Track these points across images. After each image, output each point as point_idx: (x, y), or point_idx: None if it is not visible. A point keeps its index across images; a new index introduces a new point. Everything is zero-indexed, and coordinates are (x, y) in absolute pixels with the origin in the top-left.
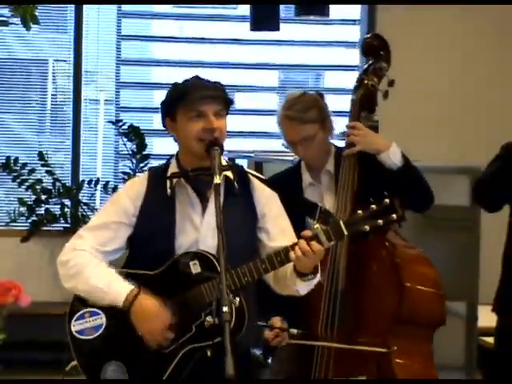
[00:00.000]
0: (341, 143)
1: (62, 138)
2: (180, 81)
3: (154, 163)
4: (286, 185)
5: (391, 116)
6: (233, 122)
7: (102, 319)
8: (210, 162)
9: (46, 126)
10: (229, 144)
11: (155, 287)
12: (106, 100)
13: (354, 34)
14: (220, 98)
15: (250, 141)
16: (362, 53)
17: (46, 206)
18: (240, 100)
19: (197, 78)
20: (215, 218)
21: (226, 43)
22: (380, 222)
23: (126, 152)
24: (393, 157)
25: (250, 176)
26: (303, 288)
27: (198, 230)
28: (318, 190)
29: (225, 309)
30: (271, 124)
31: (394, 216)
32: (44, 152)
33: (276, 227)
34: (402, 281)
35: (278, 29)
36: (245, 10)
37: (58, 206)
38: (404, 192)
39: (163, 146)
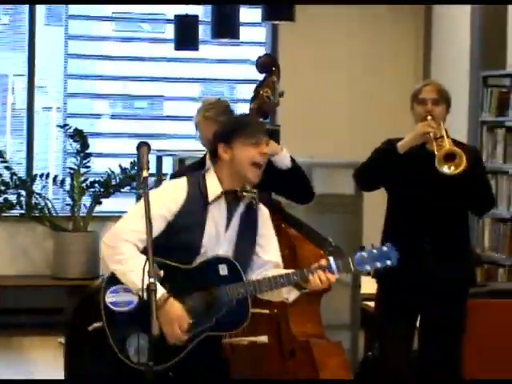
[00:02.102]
0: None
1: (19, 139)
2: (236, 116)
3: (95, 160)
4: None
5: (290, 121)
6: (161, 126)
7: (134, 296)
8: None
9: (5, 129)
10: (158, 144)
11: (186, 280)
12: (57, 108)
13: (261, 53)
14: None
15: (176, 141)
16: (257, 69)
17: (5, 195)
18: (168, 108)
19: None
20: (231, 232)
21: (155, 61)
22: (379, 265)
23: (72, 151)
24: (284, 159)
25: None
26: (294, 298)
27: (219, 237)
28: None
29: (151, 280)
30: (193, 128)
31: (389, 263)
32: (3, 151)
33: (270, 245)
34: (297, 257)
35: (197, 49)
36: (171, 33)
37: (15, 196)
38: (292, 187)
39: (102, 146)
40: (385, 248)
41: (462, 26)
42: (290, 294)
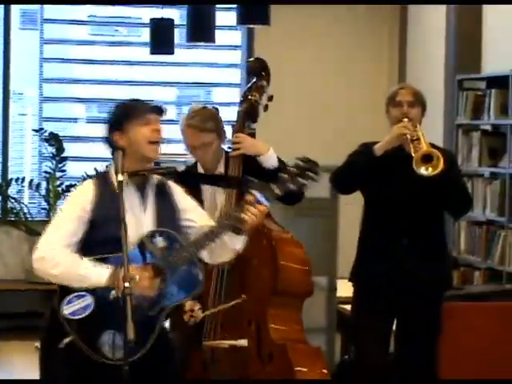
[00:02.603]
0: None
1: None
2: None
3: (71, 164)
4: (186, 182)
5: (265, 124)
6: None
7: (89, 299)
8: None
9: None
10: None
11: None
12: (33, 112)
13: (237, 57)
14: (161, 110)
15: None
16: (247, 73)
17: None
18: None
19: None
20: (149, 213)
21: (131, 64)
22: (305, 181)
23: (48, 155)
24: (270, 159)
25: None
26: (240, 243)
27: (140, 221)
28: (211, 188)
29: (126, 284)
30: (171, 131)
31: (314, 176)
32: None
33: (196, 213)
34: (277, 259)
35: (172, 52)
36: (146, 36)
37: None
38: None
39: (78, 150)
40: (301, 163)
41: (438, 29)
42: (234, 243)
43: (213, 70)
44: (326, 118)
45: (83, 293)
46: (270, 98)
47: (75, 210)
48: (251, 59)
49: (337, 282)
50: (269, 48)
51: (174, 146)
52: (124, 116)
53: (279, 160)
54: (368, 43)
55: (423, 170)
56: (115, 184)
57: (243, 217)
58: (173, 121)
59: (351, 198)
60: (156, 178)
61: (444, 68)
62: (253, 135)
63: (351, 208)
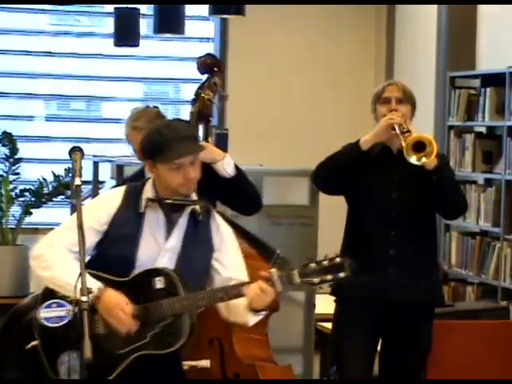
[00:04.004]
0: None
1: None
2: (157, 127)
3: (25, 166)
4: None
5: (239, 125)
6: (99, 130)
7: (68, 311)
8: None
9: None
10: (96, 149)
11: (120, 292)
12: None
13: (209, 50)
14: (194, 148)
15: (115, 146)
16: (198, 70)
17: None
18: (107, 109)
19: (171, 128)
20: (178, 242)
21: (93, 57)
22: (329, 277)
23: (0, 156)
24: (227, 167)
25: (215, 212)
26: (252, 321)
27: (159, 249)
28: None
29: (84, 298)
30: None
31: (342, 275)
32: None
33: (230, 260)
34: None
35: (137, 44)
36: (110, 27)
37: None
38: (236, 197)
39: (34, 151)
40: (338, 259)
41: (428, 22)
42: (247, 317)
43: (183, 64)
44: (303, 115)
45: (65, 302)
46: (225, 98)
47: (91, 217)
48: (202, 55)
49: (316, 298)
50: (244, 40)
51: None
52: (153, 153)
53: (237, 168)
54: (352, 35)
55: (415, 160)
56: (144, 203)
57: (247, 291)
58: None
59: (332, 205)
60: (197, 207)
61: (435, 64)
62: (224, 137)
63: (332, 215)
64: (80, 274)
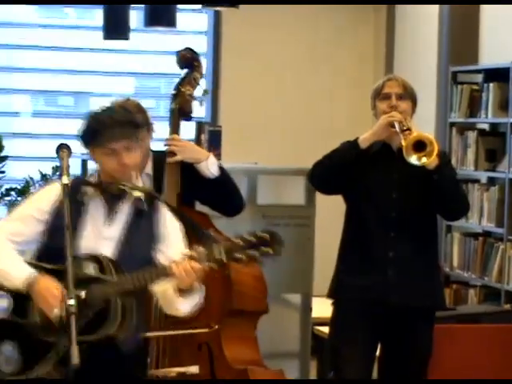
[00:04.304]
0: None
1: None
2: (94, 112)
3: (11, 164)
4: None
5: (233, 121)
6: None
7: (6, 301)
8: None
9: None
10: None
11: (58, 281)
12: None
13: (202, 43)
14: (129, 133)
15: None
16: (178, 64)
17: None
18: (96, 105)
19: (108, 112)
20: (119, 230)
21: (82, 51)
22: (257, 254)
23: None
24: (211, 167)
25: (161, 203)
26: (184, 306)
27: (99, 237)
28: None
29: (71, 302)
30: None
31: (271, 250)
32: None
33: (175, 253)
34: (229, 275)
35: (127, 38)
36: (99, 20)
37: None
38: (219, 198)
39: (20, 148)
40: (265, 234)
41: (429, 14)
42: (179, 304)
43: (175, 58)
44: (300, 111)
45: (2, 293)
46: (206, 92)
47: (30, 208)
48: (181, 49)
49: (312, 301)
50: (238, 34)
51: None
52: (89, 138)
53: (221, 168)
54: (350, 30)
55: (415, 160)
56: (85, 194)
57: (173, 271)
58: None
59: (329, 205)
60: (139, 194)
61: (436, 59)
62: (218, 133)
63: (329, 215)
64: (65, 273)
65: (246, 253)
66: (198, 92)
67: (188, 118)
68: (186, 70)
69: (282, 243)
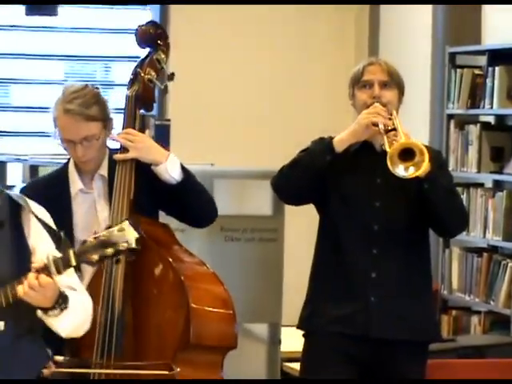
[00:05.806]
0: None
1: None
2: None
3: None
4: (51, 192)
5: (184, 115)
6: (8, 121)
7: None
8: None
9: None
10: (3, 145)
11: None
12: None
13: (146, 19)
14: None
15: (28, 141)
16: (137, 42)
17: None
18: (18, 96)
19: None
20: None
21: (0, 30)
22: (109, 251)
23: None
24: (171, 170)
25: (24, 202)
26: (60, 326)
27: None
28: (89, 198)
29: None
30: (52, 124)
31: (125, 245)
32: None
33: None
34: (187, 301)
35: (55, 14)
36: None
37: None
38: (183, 207)
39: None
40: (118, 228)
41: None
42: (52, 325)
43: (114, 37)
44: (265, 104)
45: None
46: (171, 77)
47: None
48: (143, 23)
49: (281, 332)
50: (190, 9)
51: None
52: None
53: (185, 171)
54: (327, 12)
55: (402, 171)
56: None
57: (18, 289)
58: None
59: (300, 216)
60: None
61: (430, 38)
62: (167, 128)
63: (300, 228)
64: None
65: (99, 253)
66: (161, 77)
67: (147, 107)
68: (147, 50)
69: (137, 232)
